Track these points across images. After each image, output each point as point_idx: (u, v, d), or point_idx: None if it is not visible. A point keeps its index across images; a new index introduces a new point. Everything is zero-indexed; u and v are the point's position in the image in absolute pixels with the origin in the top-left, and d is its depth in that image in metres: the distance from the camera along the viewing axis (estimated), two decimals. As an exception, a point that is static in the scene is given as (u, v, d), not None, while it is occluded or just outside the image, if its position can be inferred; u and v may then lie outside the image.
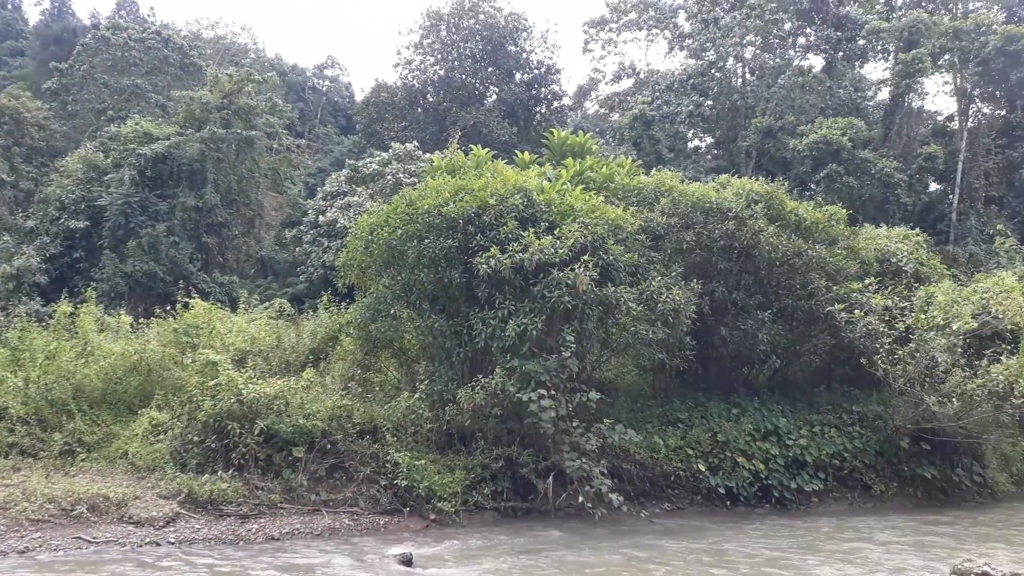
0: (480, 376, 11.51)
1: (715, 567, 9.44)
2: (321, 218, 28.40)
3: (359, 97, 53.59)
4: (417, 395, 12.18)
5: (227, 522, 10.17)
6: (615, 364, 14.94)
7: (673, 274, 13.14)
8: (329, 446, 11.41)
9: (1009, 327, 13.90)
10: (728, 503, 12.85)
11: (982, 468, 14.48)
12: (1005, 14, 48.17)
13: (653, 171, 16.59)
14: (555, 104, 48.02)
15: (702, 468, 12.78)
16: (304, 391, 11.94)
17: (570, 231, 11.96)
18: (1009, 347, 13.68)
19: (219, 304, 17.76)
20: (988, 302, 14.00)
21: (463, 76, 45.31)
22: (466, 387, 11.54)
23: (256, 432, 10.94)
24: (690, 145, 53.00)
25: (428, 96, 45.94)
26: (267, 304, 19.32)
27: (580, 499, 10.98)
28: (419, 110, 45.45)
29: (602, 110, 61.61)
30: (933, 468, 13.97)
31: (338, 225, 26.35)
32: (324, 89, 60.77)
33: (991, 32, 43.79)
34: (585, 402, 11.49)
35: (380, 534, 10.46)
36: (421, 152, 30.03)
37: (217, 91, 30.72)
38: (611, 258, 12.22)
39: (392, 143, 31.85)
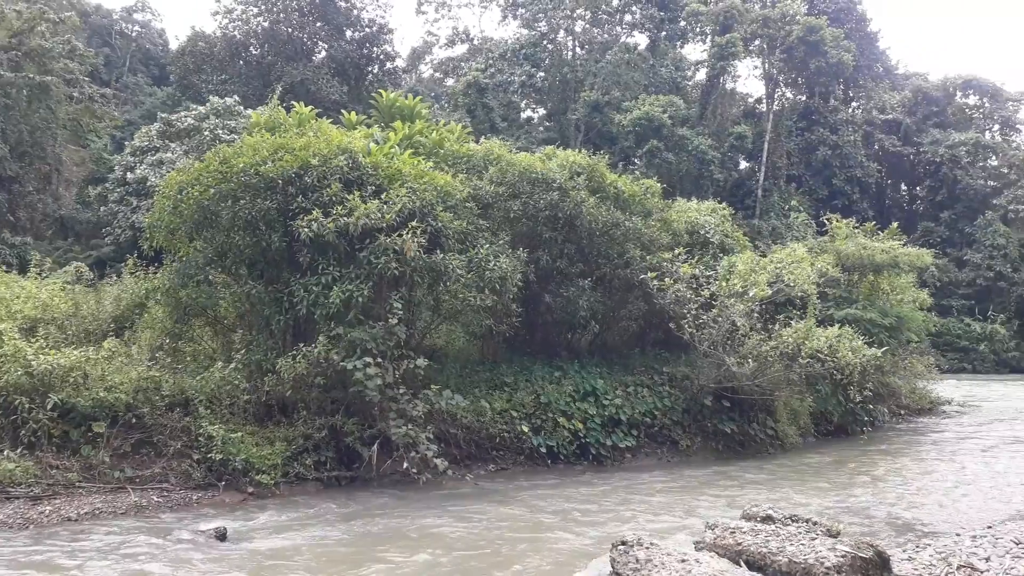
0: (302, 345, 11.16)
1: (526, 520, 9.81)
2: (129, 175, 26.24)
3: (174, 46, 49.64)
4: (233, 365, 11.59)
5: (15, 505, 9.27)
6: (445, 331, 15.03)
7: (501, 242, 13.31)
8: (135, 420, 10.65)
9: (799, 294, 15.37)
10: (549, 462, 13.37)
11: (774, 422, 15.98)
12: (807, 6, 52.60)
13: (482, 139, 16.64)
14: (388, 65, 46.95)
15: (525, 429, 13.19)
16: (106, 362, 11.02)
17: (398, 196, 11.78)
18: (799, 312, 15.18)
19: (6, 268, 15.94)
20: (781, 271, 15.38)
21: (289, 29, 43.16)
22: (287, 356, 11.14)
23: (49, 407, 10.00)
24: (523, 115, 53.90)
25: (251, 49, 43.39)
26: (65, 268, 17.64)
27: (405, 465, 11.00)
28: (241, 63, 42.86)
29: (437, 74, 61.08)
30: (732, 423, 15.27)
31: (149, 183, 24.44)
32: (134, 35, 55.68)
33: (795, 22, 47.64)
34: (413, 369, 11.46)
35: (192, 510, 9.93)
36: (242, 108, 28.41)
37: (3, 29, 27.32)
38: (440, 225, 12.19)
39: (210, 97, 29.85)
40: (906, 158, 53.15)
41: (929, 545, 8.19)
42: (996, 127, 58.08)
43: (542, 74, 50.35)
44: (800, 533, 6.47)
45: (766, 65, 51.21)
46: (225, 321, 13.48)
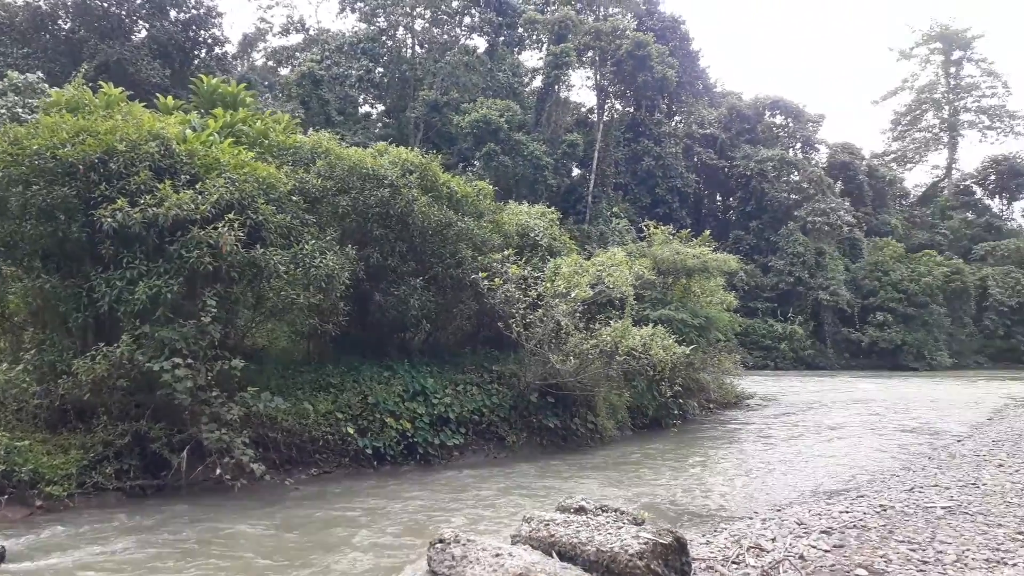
0: (103, 344, 10.28)
1: (342, 524, 9.60)
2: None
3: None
4: (21, 366, 10.48)
5: None
6: (267, 330, 14.41)
7: (328, 238, 12.95)
8: (-103, 431, 9.38)
9: (618, 296, 16.17)
10: (376, 463, 13.17)
11: (594, 417, 16.69)
12: (636, 22, 55.52)
13: (310, 131, 16.13)
14: (216, 50, 44.46)
15: (351, 431, 12.91)
16: None
17: (215, 186, 11.13)
18: (618, 313, 15.98)
19: None
20: (602, 274, 16.11)
21: (105, 4, 39.76)
22: (85, 357, 10.22)
23: None
24: (361, 110, 52.93)
25: (60, 22, 39.55)
26: None
27: (219, 472, 10.42)
28: (47, 36, 38.98)
29: (270, 63, 58.61)
30: (556, 418, 15.78)
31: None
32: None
33: (624, 36, 50.11)
34: (228, 370, 10.87)
35: (-34, 529, 8.86)
36: (47, 85, 25.76)
37: None
38: (261, 218, 11.65)
39: (9, 72, 26.86)
40: (721, 170, 57.49)
41: (725, 529, 8.86)
42: (799, 145, 64.14)
43: (381, 70, 49.74)
44: (609, 523, 6.77)
45: (597, 76, 53.51)
46: (15, 319, 12.17)
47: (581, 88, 56.55)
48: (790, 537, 8.02)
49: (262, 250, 11.33)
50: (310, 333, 14.26)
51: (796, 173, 57.73)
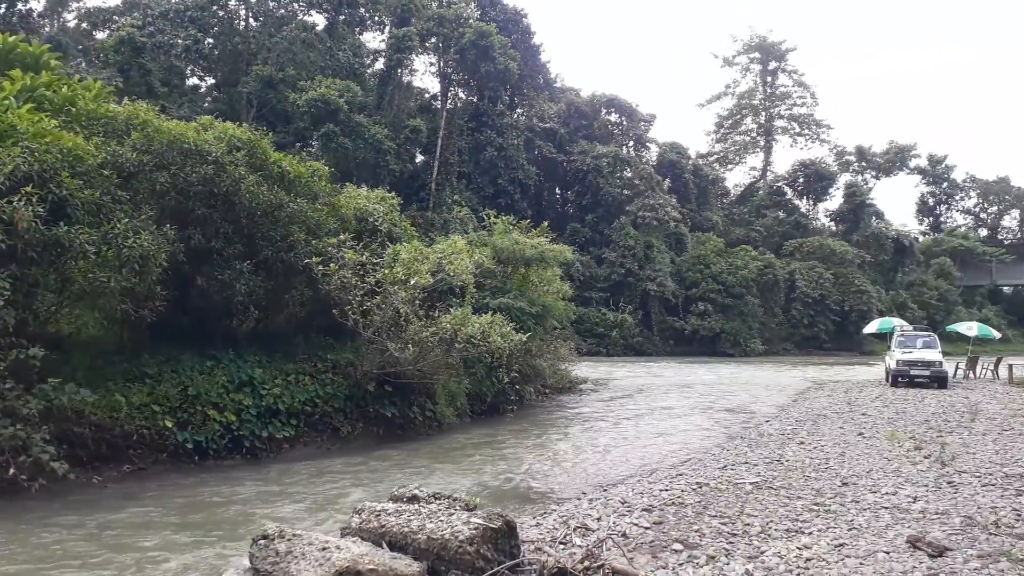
0: None
1: (152, 524, 8.95)
2: None
3: None
4: None
5: None
6: (75, 316, 13.11)
7: (144, 217, 11.95)
8: None
9: (459, 283, 16.17)
10: (197, 458, 12.38)
11: (433, 405, 16.63)
12: (479, 12, 55.67)
13: (125, 101, 14.80)
14: (19, 6, 39.94)
15: (169, 424, 12.04)
16: None
17: (10, 156, 9.96)
18: (458, 300, 15.97)
19: None
20: (443, 262, 16.04)
21: None
22: None
23: None
24: (188, 83, 49.55)
25: None
26: None
27: (13, 471, 9.35)
28: None
29: (84, 25, 53.48)
30: (394, 407, 15.56)
31: None
32: None
33: (467, 25, 50.12)
34: (26, 359, 9.79)
35: None
36: None
37: None
38: (65, 193, 10.58)
39: None
40: (560, 164, 59.14)
41: (555, 510, 9.08)
42: (631, 143, 67.18)
43: (211, 41, 46.77)
44: (441, 510, 6.73)
45: (441, 63, 53.30)
46: None
47: (425, 74, 56.01)
48: (614, 516, 8.34)
49: (66, 228, 10.29)
50: (123, 319, 13.11)
51: (629, 170, 60.43)
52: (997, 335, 36.35)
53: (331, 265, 14.31)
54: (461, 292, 16.28)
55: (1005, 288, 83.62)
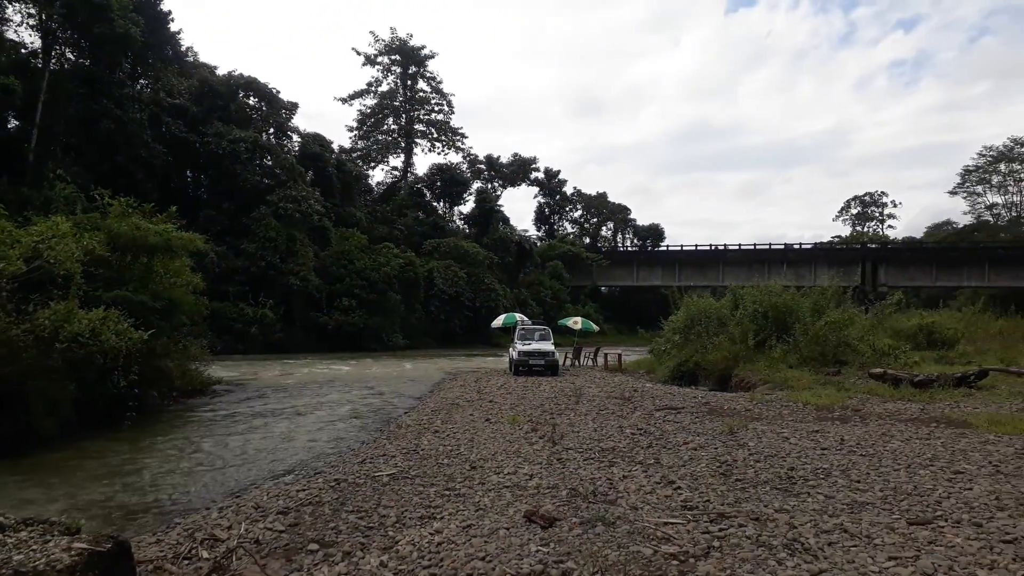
0: None
1: None
2: None
3: None
4: None
5: None
6: None
7: None
8: None
9: (61, 272, 13.92)
10: None
11: (28, 415, 14.11)
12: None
13: None
14: None
15: None
16: None
17: None
18: (60, 293, 13.71)
19: None
20: (42, 247, 13.68)
21: None
22: None
23: None
24: None
25: None
26: None
27: None
28: None
29: None
30: (-29, 421, 12.87)
31: None
32: None
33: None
34: None
35: None
36: None
37: None
38: None
39: None
40: (193, 145, 54.56)
41: (179, 524, 8.25)
42: (272, 130, 64.72)
43: None
44: (34, 538, 5.71)
45: (43, 16, 45.70)
46: None
47: (22, 26, 47.10)
48: (247, 522, 7.84)
49: None
50: None
51: (270, 158, 58.16)
52: (596, 328, 42.36)
53: None
54: (65, 283, 14.04)
55: (603, 288, 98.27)
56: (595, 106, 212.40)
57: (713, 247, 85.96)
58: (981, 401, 16.69)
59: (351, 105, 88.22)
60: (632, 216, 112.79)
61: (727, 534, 6.92)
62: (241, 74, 61.29)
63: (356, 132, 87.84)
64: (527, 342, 30.24)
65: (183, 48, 61.81)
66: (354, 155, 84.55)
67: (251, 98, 62.54)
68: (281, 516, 8.06)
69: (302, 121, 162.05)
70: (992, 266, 75.66)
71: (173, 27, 58.82)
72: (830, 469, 9.76)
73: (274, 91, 63.41)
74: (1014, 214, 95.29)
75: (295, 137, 67.63)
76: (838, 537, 6.77)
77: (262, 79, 62.51)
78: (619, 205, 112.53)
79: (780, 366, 22.89)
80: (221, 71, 62.25)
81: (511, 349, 31.16)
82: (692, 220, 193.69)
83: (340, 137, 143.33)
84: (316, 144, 66.37)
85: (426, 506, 8.31)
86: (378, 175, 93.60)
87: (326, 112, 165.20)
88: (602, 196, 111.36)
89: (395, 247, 63.13)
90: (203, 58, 67.49)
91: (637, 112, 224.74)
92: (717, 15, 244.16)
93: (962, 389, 18.12)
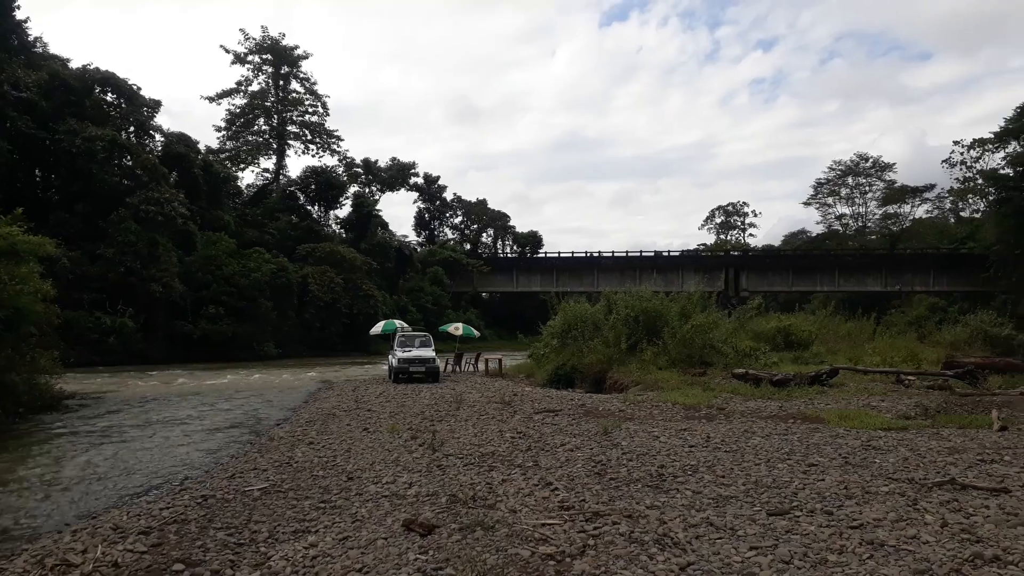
0: None
1: None
2: None
3: None
4: None
5: None
6: None
7: None
8: None
9: None
10: None
11: None
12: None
13: None
14: None
15: None
16: None
17: None
18: None
19: None
20: None
21: None
22: None
23: None
24: None
25: None
26: None
27: None
28: None
29: None
30: None
31: None
32: None
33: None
34: None
35: None
36: None
37: None
38: None
39: None
40: (43, 143, 50.59)
41: (27, 549, 7.64)
42: (132, 128, 60.97)
43: None
44: None
45: None
46: None
47: None
48: (104, 545, 7.35)
49: None
50: None
51: (129, 158, 54.78)
52: (477, 334, 42.54)
53: None
54: None
55: (484, 294, 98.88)
56: (473, 113, 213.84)
57: (588, 254, 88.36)
58: (832, 398, 18.03)
59: (219, 104, 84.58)
60: (512, 223, 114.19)
61: (601, 532, 7.12)
62: (97, 68, 57.47)
63: (225, 132, 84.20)
64: (407, 349, 29.97)
65: (30, 38, 57.23)
66: (222, 156, 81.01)
67: (109, 94, 58.67)
68: (143, 536, 7.60)
69: (166, 120, 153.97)
70: (841, 271, 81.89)
71: (19, 15, 54.43)
72: (697, 466, 10.24)
73: (135, 87, 59.81)
74: (860, 224, 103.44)
75: (158, 136, 64.09)
76: (705, 530, 7.11)
77: (121, 74, 58.87)
78: (499, 212, 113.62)
79: (651, 368, 23.82)
80: (75, 64, 58.16)
81: (391, 356, 30.80)
82: (569, 228, 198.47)
83: (208, 137, 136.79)
84: (181, 144, 63.14)
85: (300, 520, 8.06)
86: (248, 177, 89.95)
87: (192, 111, 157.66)
88: (482, 203, 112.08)
89: (266, 252, 60.90)
90: (54, 50, 62.60)
91: (515, 121, 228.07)
92: (591, 28, 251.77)
93: (816, 387, 19.50)
